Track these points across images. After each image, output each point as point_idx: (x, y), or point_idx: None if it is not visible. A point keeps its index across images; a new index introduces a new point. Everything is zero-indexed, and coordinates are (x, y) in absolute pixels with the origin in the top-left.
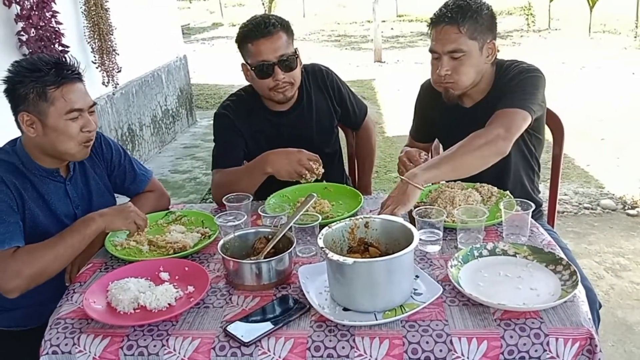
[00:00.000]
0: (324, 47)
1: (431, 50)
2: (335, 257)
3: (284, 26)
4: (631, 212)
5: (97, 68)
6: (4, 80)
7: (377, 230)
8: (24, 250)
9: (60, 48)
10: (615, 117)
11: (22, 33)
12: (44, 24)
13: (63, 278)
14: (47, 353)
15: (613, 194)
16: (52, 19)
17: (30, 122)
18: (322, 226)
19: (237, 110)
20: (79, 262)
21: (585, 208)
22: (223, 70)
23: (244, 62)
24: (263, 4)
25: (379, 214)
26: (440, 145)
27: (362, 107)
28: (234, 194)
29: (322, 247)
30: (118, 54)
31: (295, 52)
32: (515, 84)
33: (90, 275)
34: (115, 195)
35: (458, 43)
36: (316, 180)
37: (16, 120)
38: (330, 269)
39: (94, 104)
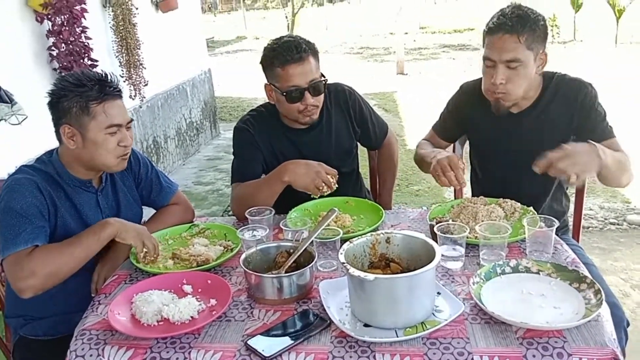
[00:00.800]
0: (347, 59)
1: (486, 58)
2: (357, 272)
3: (313, 50)
4: None
5: (124, 82)
6: (49, 93)
7: (398, 245)
8: (41, 250)
9: (90, 62)
10: None
11: (52, 48)
12: (74, 39)
13: (89, 288)
14: None
15: (637, 208)
16: (82, 34)
17: (71, 134)
18: (343, 241)
19: (257, 126)
20: (105, 273)
21: (611, 223)
22: (246, 83)
23: (270, 83)
24: (286, 17)
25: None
26: (461, 149)
27: (383, 127)
28: (255, 207)
29: (344, 263)
30: (145, 68)
31: (322, 75)
32: (603, 116)
33: (115, 287)
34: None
35: (516, 52)
36: (331, 195)
37: (57, 132)
38: (351, 284)
39: (132, 120)
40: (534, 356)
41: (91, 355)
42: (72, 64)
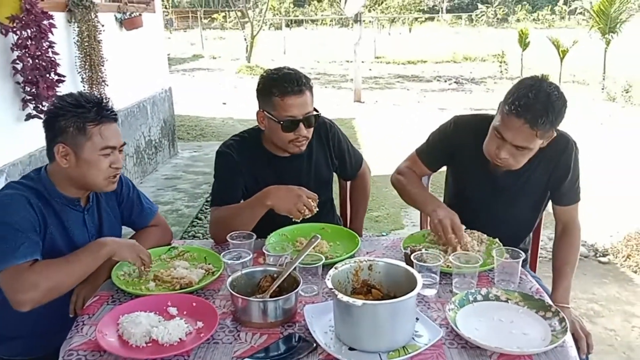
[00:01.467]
0: None
1: (497, 131)
2: (345, 298)
3: (310, 85)
4: (602, 259)
5: None
6: (46, 112)
7: (380, 273)
8: (42, 264)
9: (56, 77)
10: (585, 167)
11: (17, 61)
12: (40, 53)
13: (66, 308)
14: None
15: (585, 242)
16: (49, 49)
17: (65, 153)
18: (323, 266)
19: (240, 151)
20: (85, 293)
21: None
22: (204, 102)
23: (263, 110)
24: (245, 39)
25: None
26: (428, 179)
27: (358, 159)
28: (237, 232)
29: (332, 289)
30: (107, 85)
31: (316, 109)
32: (576, 177)
33: (99, 308)
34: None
35: (528, 142)
36: (307, 220)
37: (50, 149)
38: (337, 309)
39: (124, 144)
40: None
41: None
42: (37, 79)
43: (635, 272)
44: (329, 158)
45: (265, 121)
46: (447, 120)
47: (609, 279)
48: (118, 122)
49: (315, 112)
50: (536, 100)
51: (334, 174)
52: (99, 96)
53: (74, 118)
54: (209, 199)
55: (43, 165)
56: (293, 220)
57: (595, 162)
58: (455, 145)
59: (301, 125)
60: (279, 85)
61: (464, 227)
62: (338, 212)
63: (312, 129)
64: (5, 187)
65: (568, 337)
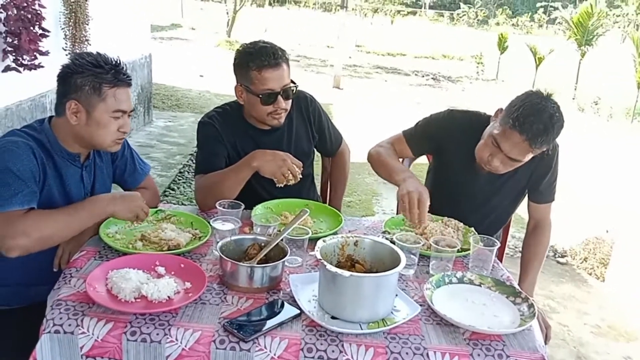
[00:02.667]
0: None
1: (495, 140)
2: (333, 269)
3: (287, 58)
4: (561, 260)
5: (66, 55)
6: (63, 66)
7: (365, 249)
8: (37, 213)
9: (40, 31)
10: None
11: (0, 10)
12: (26, 4)
13: (49, 262)
14: (49, 332)
15: None
16: (36, 1)
17: (76, 110)
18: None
19: (222, 122)
20: (70, 248)
21: (520, 252)
22: (181, 73)
23: (241, 84)
24: (227, 12)
25: None
26: (410, 163)
27: (338, 137)
28: (226, 200)
29: (320, 259)
30: (90, 45)
31: (293, 81)
32: (555, 177)
33: (86, 262)
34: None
35: (522, 156)
36: (291, 191)
37: (60, 104)
38: (323, 279)
39: (134, 109)
40: (478, 355)
41: (69, 325)
42: (20, 30)
43: (590, 274)
44: (309, 131)
45: (244, 95)
46: (441, 110)
47: (566, 278)
48: (132, 87)
49: (293, 84)
50: (540, 121)
51: (315, 150)
52: (116, 59)
53: (91, 77)
54: (182, 170)
55: (46, 117)
56: (276, 184)
57: (562, 168)
58: (444, 137)
59: (279, 97)
60: (255, 58)
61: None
62: (319, 192)
63: (290, 101)
64: (9, 134)
65: (535, 323)
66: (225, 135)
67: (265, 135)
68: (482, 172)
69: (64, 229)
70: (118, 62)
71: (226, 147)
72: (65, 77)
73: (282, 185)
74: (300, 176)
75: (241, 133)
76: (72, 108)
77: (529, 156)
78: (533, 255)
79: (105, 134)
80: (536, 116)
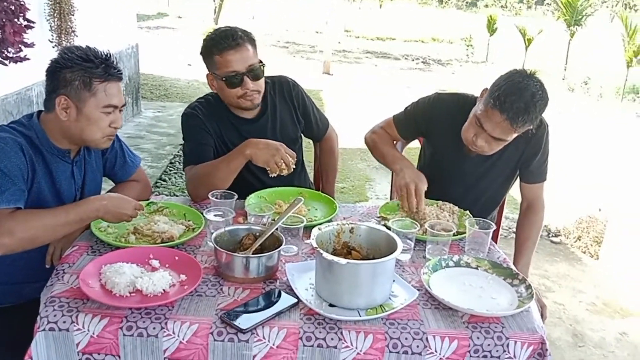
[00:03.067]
0: (273, 52)
1: (478, 120)
2: (330, 257)
3: (250, 38)
4: (555, 239)
5: (53, 47)
6: (52, 61)
7: (360, 236)
8: (23, 213)
9: (25, 22)
10: None
11: None
12: None
13: (41, 260)
14: (44, 330)
15: None
16: None
17: (66, 106)
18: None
19: (206, 112)
20: (62, 244)
21: (514, 232)
22: (168, 62)
23: (210, 72)
24: (214, 0)
25: None
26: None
27: (324, 121)
28: (219, 191)
29: (316, 247)
30: (77, 36)
31: (261, 61)
32: (545, 156)
33: (78, 257)
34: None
35: (505, 135)
36: (284, 180)
37: (50, 99)
38: (320, 267)
39: (125, 104)
40: (478, 338)
41: (64, 322)
42: (3, 22)
43: (584, 252)
44: (295, 116)
45: (215, 82)
46: (429, 95)
47: (560, 257)
48: (122, 81)
49: (259, 64)
50: (521, 99)
51: (302, 136)
52: (106, 52)
53: (80, 72)
54: (172, 161)
55: (34, 112)
56: (269, 174)
57: (553, 148)
58: (431, 120)
59: (246, 79)
60: (216, 43)
61: (430, 199)
62: (311, 179)
63: (260, 82)
64: None
65: (533, 304)
66: (210, 125)
67: (249, 124)
68: (471, 154)
69: (49, 230)
70: (108, 55)
71: (212, 137)
72: (54, 72)
73: (275, 175)
74: (294, 166)
75: (225, 123)
76: (62, 103)
77: (513, 135)
78: (527, 236)
79: (96, 130)
80: (517, 95)
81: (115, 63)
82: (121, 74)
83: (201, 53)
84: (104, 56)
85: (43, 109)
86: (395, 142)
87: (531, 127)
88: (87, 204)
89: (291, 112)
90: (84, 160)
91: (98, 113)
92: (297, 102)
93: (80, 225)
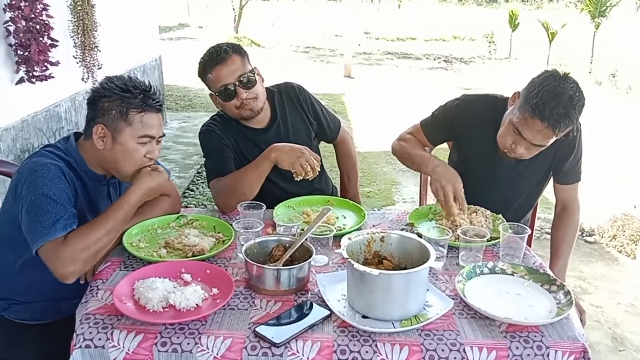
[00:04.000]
0: (293, 58)
1: (515, 127)
2: (362, 268)
3: (236, 50)
4: (589, 239)
5: (77, 63)
6: (92, 90)
7: (392, 244)
8: (73, 235)
9: (49, 41)
10: None
11: (10, 23)
12: (34, 16)
13: None
14: (80, 347)
15: None
16: (43, 12)
17: (103, 135)
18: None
19: (222, 128)
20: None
21: (547, 233)
22: (191, 72)
23: (211, 93)
24: (233, 9)
25: None
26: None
27: (335, 120)
28: (247, 202)
29: (348, 258)
30: (100, 51)
31: (252, 69)
32: (579, 157)
33: (111, 273)
34: None
35: (546, 141)
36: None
37: (89, 127)
38: (352, 278)
39: (164, 135)
40: (517, 348)
41: (99, 339)
42: (30, 42)
43: (620, 251)
44: (306, 120)
45: (217, 101)
46: (456, 97)
47: (595, 257)
48: (163, 112)
49: (249, 73)
50: (559, 105)
51: (317, 139)
52: (147, 83)
53: (118, 101)
54: (200, 170)
55: (70, 135)
56: (295, 178)
57: (584, 145)
58: (459, 123)
59: (238, 89)
60: (206, 63)
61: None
62: (335, 183)
63: (255, 89)
64: (36, 155)
65: (572, 311)
66: (227, 139)
67: (262, 134)
68: (504, 157)
69: (104, 237)
70: (149, 87)
71: (231, 150)
72: (94, 101)
73: (300, 179)
74: (319, 170)
75: (240, 136)
76: (99, 132)
77: (553, 139)
78: (563, 239)
79: (130, 161)
80: (556, 101)
81: (156, 94)
82: (161, 105)
83: (199, 76)
84: (143, 87)
85: (79, 131)
86: (424, 147)
87: (572, 129)
88: (122, 197)
89: (302, 116)
90: (119, 180)
91: (134, 143)
92: (307, 106)
93: (128, 216)
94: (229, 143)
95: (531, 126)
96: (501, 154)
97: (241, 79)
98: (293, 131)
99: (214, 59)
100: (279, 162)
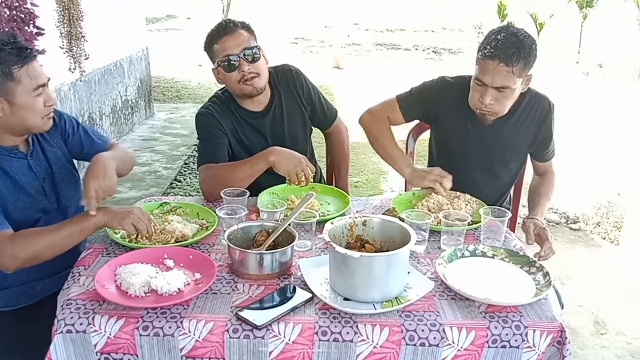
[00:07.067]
0: (282, 48)
1: (477, 79)
2: (343, 250)
3: (245, 26)
4: (573, 226)
5: (64, 54)
6: None
7: (374, 228)
8: (21, 235)
9: (35, 30)
10: (561, 137)
11: None
12: (18, 4)
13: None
14: (62, 332)
15: (557, 209)
16: (28, 0)
17: None
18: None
19: (220, 111)
20: (102, 192)
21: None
22: (179, 63)
23: (214, 64)
24: (222, 0)
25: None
26: (414, 144)
27: (333, 110)
28: (230, 188)
29: (329, 241)
30: (87, 41)
31: (258, 46)
32: (553, 136)
33: (94, 260)
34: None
35: (507, 81)
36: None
37: None
38: (334, 261)
39: (49, 78)
40: (495, 327)
41: (81, 324)
42: (14, 31)
43: (604, 238)
44: (300, 103)
45: (219, 73)
46: (433, 78)
47: (580, 244)
48: (37, 57)
49: (254, 47)
50: (506, 40)
51: (312, 127)
52: (11, 35)
53: None
54: (187, 162)
55: None
56: (287, 183)
57: (568, 134)
58: (435, 101)
59: (242, 61)
60: (213, 34)
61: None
62: (324, 175)
63: (258, 65)
64: None
65: (551, 291)
66: (224, 122)
67: (260, 117)
68: (483, 130)
69: (49, 247)
70: (15, 37)
71: (227, 135)
72: None
73: (292, 185)
74: (311, 181)
75: (236, 118)
76: None
77: (516, 81)
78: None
79: (34, 115)
80: (502, 38)
81: (25, 43)
82: (35, 51)
83: (204, 49)
84: (11, 40)
85: None
86: (391, 125)
87: (529, 67)
88: (85, 213)
89: (296, 99)
90: (42, 151)
91: (31, 98)
92: (302, 89)
93: (84, 236)
94: (225, 127)
95: (487, 69)
96: (477, 126)
97: (246, 51)
98: (287, 115)
99: (222, 30)
100: (276, 167)
